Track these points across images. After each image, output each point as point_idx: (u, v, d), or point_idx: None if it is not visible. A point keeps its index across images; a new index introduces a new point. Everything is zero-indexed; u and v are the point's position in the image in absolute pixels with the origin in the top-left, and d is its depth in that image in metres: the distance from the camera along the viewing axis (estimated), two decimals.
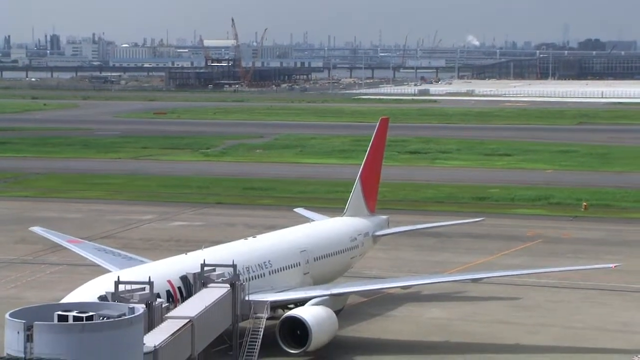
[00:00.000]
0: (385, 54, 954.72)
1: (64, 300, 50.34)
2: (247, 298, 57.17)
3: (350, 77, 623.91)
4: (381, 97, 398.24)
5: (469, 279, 71.14)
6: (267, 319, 57.94)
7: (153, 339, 44.98)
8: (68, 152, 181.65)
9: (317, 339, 58.97)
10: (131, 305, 43.99)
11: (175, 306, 53.71)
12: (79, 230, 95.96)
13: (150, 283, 49.98)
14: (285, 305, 62.23)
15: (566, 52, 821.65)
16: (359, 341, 64.41)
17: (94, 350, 39.18)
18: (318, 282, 68.66)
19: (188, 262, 59.65)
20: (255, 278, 62.38)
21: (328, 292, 63.12)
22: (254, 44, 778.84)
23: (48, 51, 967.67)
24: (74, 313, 41.47)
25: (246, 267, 61.69)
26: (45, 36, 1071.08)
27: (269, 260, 65.10)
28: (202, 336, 50.14)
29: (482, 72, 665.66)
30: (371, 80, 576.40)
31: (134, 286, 50.15)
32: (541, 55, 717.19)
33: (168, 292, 56.21)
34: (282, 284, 64.81)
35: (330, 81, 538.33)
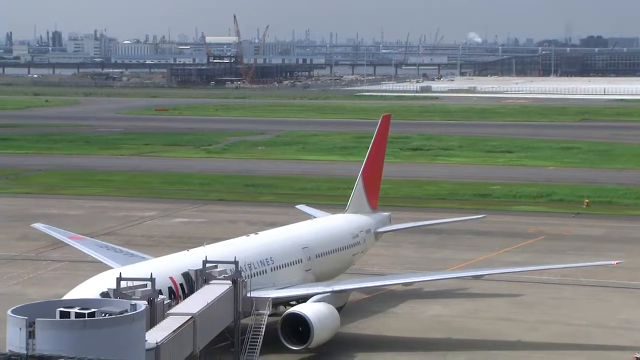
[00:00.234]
0: (387, 51, 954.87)
1: (66, 297, 50.43)
2: (249, 295, 57.17)
3: (352, 74, 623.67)
4: (383, 93, 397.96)
5: (470, 276, 71.16)
6: (269, 315, 57.96)
7: (155, 335, 45.00)
8: (70, 149, 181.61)
9: (319, 335, 59.02)
10: (133, 301, 44.03)
11: (177, 303, 53.75)
12: (81, 227, 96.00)
13: (152, 280, 50.02)
14: (287, 302, 62.29)
15: (568, 48, 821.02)
16: (360, 338, 64.45)
17: (95, 346, 39.17)
18: (320, 279, 68.70)
19: (190, 259, 59.70)
20: (257, 275, 62.46)
21: (330, 289, 63.17)
22: (256, 40, 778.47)
23: (50, 48, 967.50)
24: (76, 309, 41.50)
25: (248, 264, 61.74)
26: (47, 33, 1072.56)
27: (271, 257, 65.14)
28: (204, 333, 50.18)
29: (484, 69, 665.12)
30: (373, 77, 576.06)
31: (136, 283, 50.19)
32: (543, 52, 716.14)
33: (170, 288, 56.25)
34: (283, 281, 64.86)
35: (332, 78, 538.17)
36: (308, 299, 61.50)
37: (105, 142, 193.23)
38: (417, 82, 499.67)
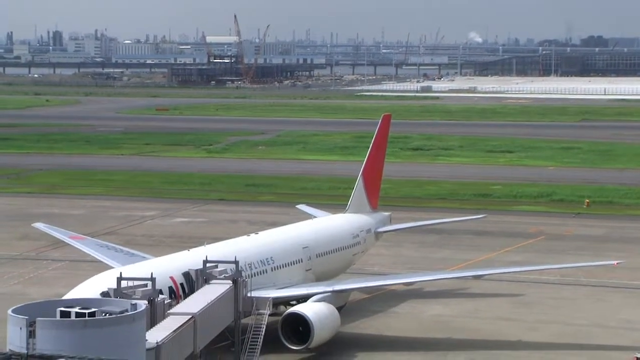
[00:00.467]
0: (388, 51, 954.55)
1: (67, 297, 50.43)
2: (249, 294, 57.20)
3: (353, 74, 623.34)
4: (383, 93, 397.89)
5: (471, 276, 71.19)
6: (269, 315, 57.99)
7: (155, 335, 45.02)
8: (71, 149, 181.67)
9: (319, 335, 59.05)
10: (133, 301, 44.05)
11: (178, 302, 53.77)
12: (82, 227, 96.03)
13: (152, 279, 50.04)
14: (287, 301, 62.32)
15: (569, 48, 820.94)
16: (360, 338, 64.46)
17: (96, 346, 39.18)
18: (320, 278, 68.72)
19: (190, 259, 59.73)
20: (258, 274, 62.49)
21: (330, 289, 63.20)
22: (257, 40, 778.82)
23: (50, 47, 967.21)
24: (77, 309, 41.52)
25: (248, 264, 61.78)
26: (48, 32, 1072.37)
27: (271, 257, 65.17)
28: (204, 333, 50.21)
29: (484, 68, 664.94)
30: (373, 77, 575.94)
31: (137, 282, 50.21)
32: (544, 52, 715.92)
33: (170, 288, 56.27)
34: (284, 281, 64.89)
35: (333, 78, 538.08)
36: (308, 299, 61.52)
37: (106, 141, 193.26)
38: (418, 82, 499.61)
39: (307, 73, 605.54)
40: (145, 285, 49.90)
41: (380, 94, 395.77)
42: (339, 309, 62.47)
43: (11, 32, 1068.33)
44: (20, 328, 39.94)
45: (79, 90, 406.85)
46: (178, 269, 58.02)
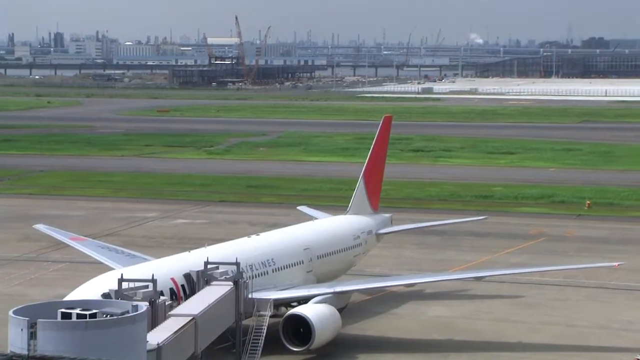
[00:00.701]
0: (389, 52, 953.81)
1: (68, 298, 50.41)
2: (250, 296, 57.25)
3: (354, 75, 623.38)
4: (384, 95, 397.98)
5: (472, 277, 71.15)
6: (270, 316, 58.01)
7: (156, 336, 45.04)
8: (72, 150, 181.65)
9: (320, 336, 59.04)
10: (134, 302, 44.05)
11: (179, 304, 53.78)
12: (83, 228, 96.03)
13: (153, 281, 50.06)
14: (288, 303, 62.28)
15: (570, 50, 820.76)
16: (362, 339, 64.45)
17: (97, 347, 39.21)
18: (321, 280, 68.73)
19: (191, 260, 59.72)
20: (259, 276, 62.50)
21: (331, 290, 63.21)
22: (258, 41, 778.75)
23: (52, 49, 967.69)
24: (78, 310, 41.55)
25: (249, 265, 61.78)
26: (49, 34, 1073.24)
27: (272, 258, 65.16)
28: (205, 334, 50.20)
29: (485, 70, 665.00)
30: (375, 79, 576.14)
31: (137, 284, 50.23)
32: (545, 54, 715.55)
33: (171, 289, 56.27)
34: (285, 282, 64.89)
35: (334, 79, 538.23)
36: (309, 300, 61.53)
37: (107, 143, 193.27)
38: (419, 83, 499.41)
39: (308, 74, 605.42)
40: (146, 287, 49.93)
41: (381, 95, 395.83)
42: (340, 310, 62.48)
43: (12, 34, 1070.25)
44: (22, 329, 39.96)
45: (80, 92, 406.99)
46: (179, 271, 58.02)
